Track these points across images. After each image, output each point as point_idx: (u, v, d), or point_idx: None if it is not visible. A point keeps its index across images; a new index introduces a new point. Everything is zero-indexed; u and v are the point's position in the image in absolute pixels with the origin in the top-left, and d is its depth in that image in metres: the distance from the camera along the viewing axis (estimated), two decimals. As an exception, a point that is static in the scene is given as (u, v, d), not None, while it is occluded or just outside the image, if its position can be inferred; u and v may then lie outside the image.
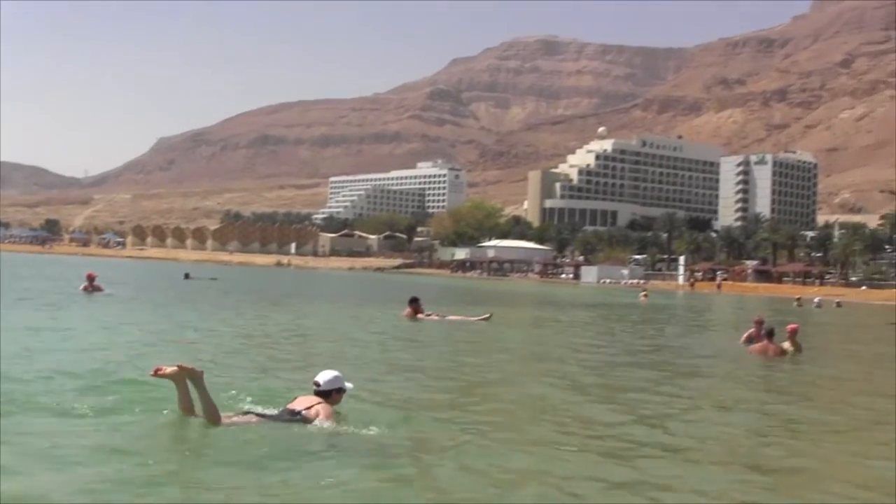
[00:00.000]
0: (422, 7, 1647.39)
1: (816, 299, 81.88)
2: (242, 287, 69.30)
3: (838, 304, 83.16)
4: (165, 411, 12.30)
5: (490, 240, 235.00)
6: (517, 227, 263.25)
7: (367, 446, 11.11)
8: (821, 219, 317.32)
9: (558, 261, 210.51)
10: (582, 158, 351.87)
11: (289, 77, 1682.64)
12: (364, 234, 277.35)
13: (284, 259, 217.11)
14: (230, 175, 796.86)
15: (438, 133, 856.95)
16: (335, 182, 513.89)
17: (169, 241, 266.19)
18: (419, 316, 34.71)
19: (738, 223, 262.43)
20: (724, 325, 48.52)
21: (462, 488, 9.70)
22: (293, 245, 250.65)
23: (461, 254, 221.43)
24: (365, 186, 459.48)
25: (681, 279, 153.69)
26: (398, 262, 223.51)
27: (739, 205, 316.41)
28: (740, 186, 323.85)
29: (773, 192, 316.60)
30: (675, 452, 11.82)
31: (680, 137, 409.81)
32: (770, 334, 25.54)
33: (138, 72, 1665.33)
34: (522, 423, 13.91)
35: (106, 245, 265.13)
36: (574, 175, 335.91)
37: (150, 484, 9.21)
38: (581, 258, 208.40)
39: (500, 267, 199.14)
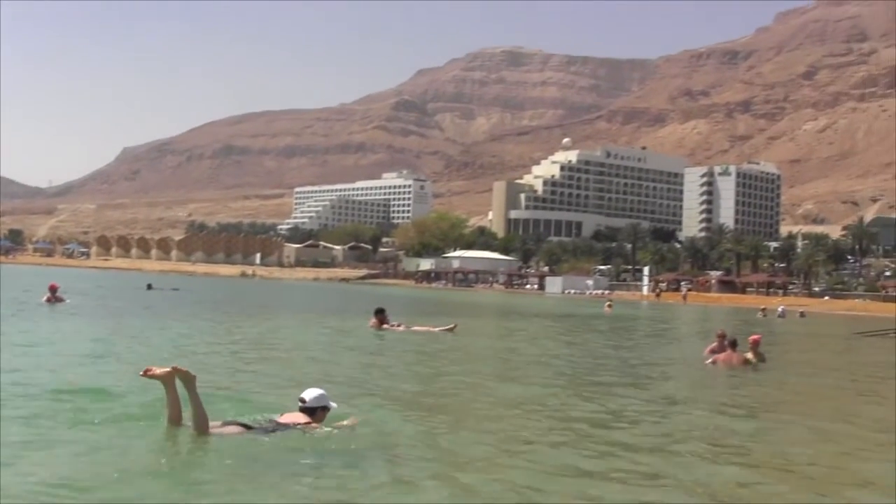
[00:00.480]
0: (387, 18, 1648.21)
1: (780, 309, 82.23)
2: (208, 298, 68.99)
3: (801, 315, 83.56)
4: (142, 423, 12.38)
5: (455, 250, 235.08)
6: (482, 238, 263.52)
7: (354, 452, 11.42)
8: (784, 229, 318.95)
9: (523, 271, 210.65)
10: (547, 169, 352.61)
11: (254, 87, 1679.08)
12: (329, 245, 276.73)
13: (249, 270, 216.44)
14: (195, 185, 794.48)
15: (404, 144, 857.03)
16: (300, 192, 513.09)
17: (133, 251, 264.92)
18: (385, 326, 34.67)
19: (703, 234, 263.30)
20: (690, 336, 48.60)
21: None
22: (258, 256, 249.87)
23: (426, 264, 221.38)
24: (330, 197, 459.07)
25: (645, 290, 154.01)
26: (363, 272, 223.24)
27: (703, 215, 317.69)
28: (704, 197, 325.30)
29: (737, 202, 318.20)
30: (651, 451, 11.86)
31: (644, 148, 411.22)
32: (734, 344, 25.62)
33: (103, 82, 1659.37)
34: (485, 421, 14.17)
35: (70, 255, 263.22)
36: (539, 186, 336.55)
37: (144, 497, 9.27)
38: (546, 269, 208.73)
39: (465, 278, 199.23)
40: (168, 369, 11.82)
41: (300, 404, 12.52)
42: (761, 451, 13.32)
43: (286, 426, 12.16)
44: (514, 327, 48.26)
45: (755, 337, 26.49)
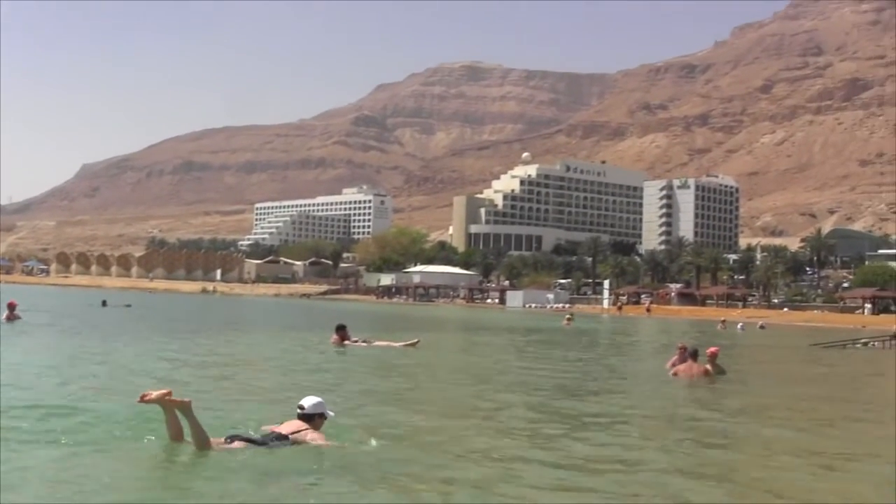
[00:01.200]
0: (346, 33, 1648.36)
1: (740, 323, 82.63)
2: (167, 315, 68.80)
3: (761, 327, 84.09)
4: (147, 439, 12.79)
5: (416, 265, 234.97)
6: (443, 253, 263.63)
7: (360, 463, 12.02)
8: (743, 242, 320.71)
9: (484, 286, 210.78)
10: (506, 184, 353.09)
11: (213, 103, 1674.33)
12: (290, 261, 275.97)
13: (210, 286, 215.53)
14: (155, 201, 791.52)
15: (364, 159, 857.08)
16: (260, 208, 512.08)
17: (94, 268, 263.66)
18: (346, 343, 34.59)
19: (662, 247, 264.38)
20: (650, 348, 48.75)
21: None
22: (219, 272, 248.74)
23: (387, 280, 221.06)
24: (290, 213, 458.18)
25: (606, 303, 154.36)
26: (324, 288, 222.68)
27: (663, 228, 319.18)
28: (664, 210, 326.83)
29: (696, 215, 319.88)
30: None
31: (604, 162, 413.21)
32: (695, 355, 25.70)
33: (61, 98, 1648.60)
34: (461, 431, 14.75)
35: (29, 272, 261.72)
36: (499, 200, 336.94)
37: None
38: (506, 283, 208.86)
39: (426, 292, 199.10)
40: (164, 391, 12.08)
41: (299, 411, 12.95)
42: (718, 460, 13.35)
43: (286, 438, 12.47)
44: (477, 341, 48.34)
45: (713, 349, 26.67)
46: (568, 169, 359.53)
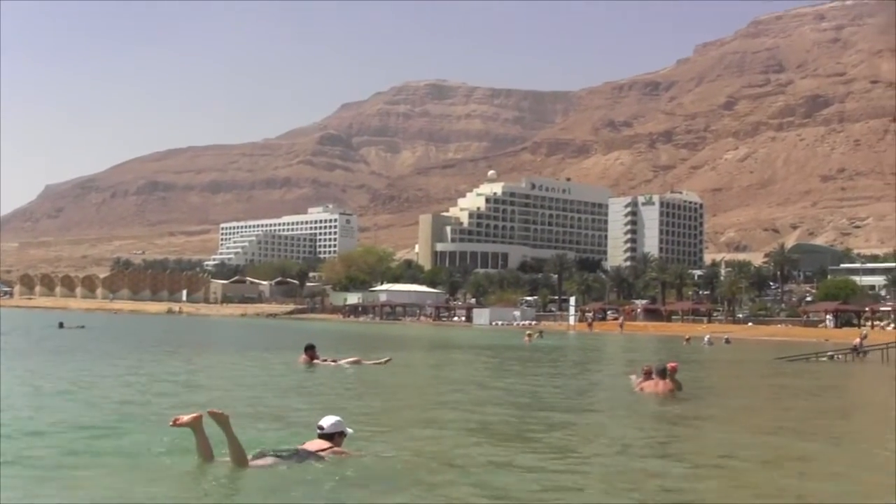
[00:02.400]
0: (311, 51, 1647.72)
1: (706, 337, 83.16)
2: (131, 336, 68.70)
3: (727, 341, 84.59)
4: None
5: (382, 284, 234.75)
6: (409, 271, 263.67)
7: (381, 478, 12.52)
8: (707, 257, 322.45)
9: (450, 304, 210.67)
10: (472, 202, 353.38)
11: (178, 123, 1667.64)
12: (256, 281, 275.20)
13: (176, 307, 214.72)
14: (120, 222, 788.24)
15: (329, 178, 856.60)
16: (226, 228, 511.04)
17: (58, 289, 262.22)
18: (315, 362, 34.57)
19: (628, 263, 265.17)
20: (615, 364, 49.15)
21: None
22: (184, 292, 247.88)
23: (353, 298, 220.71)
24: (256, 232, 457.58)
25: (572, 320, 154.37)
26: (290, 307, 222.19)
27: (628, 245, 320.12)
28: (629, 227, 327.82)
29: (661, 231, 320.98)
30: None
31: (568, 179, 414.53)
32: (662, 373, 25.97)
33: (25, 119, 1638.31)
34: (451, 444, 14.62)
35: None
36: (464, 218, 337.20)
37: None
38: (473, 301, 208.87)
39: (393, 311, 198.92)
40: (195, 415, 12.51)
41: (318, 431, 13.39)
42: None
43: (313, 454, 12.89)
44: (446, 359, 48.59)
45: (672, 365, 26.93)
46: (533, 186, 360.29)
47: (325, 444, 13.18)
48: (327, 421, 13.48)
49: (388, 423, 16.99)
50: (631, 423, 20.43)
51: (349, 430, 13.63)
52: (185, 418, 12.49)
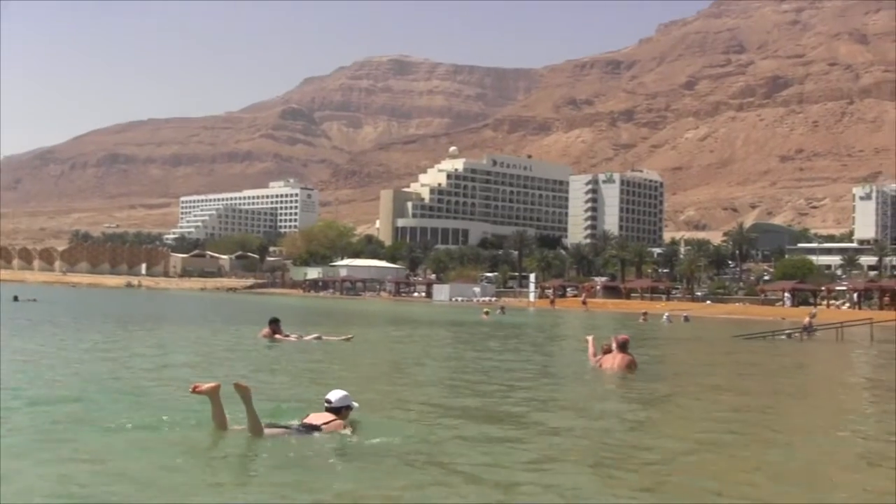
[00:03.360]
0: (274, 26, 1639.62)
1: (666, 315, 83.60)
2: (87, 309, 68.54)
3: (686, 319, 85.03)
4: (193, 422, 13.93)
5: (342, 259, 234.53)
6: (369, 247, 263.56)
7: (384, 451, 12.77)
8: (667, 236, 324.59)
9: (411, 279, 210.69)
10: (433, 178, 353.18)
11: (139, 95, 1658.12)
12: (216, 255, 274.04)
13: (135, 280, 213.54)
14: (79, 194, 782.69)
15: (291, 152, 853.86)
16: (186, 202, 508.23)
17: (16, 262, 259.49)
18: (277, 337, 34.44)
19: (588, 240, 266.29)
20: (576, 341, 49.56)
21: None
22: (144, 266, 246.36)
23: (314, 273, 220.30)
24: (217, 206, 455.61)
25: (532, 296, 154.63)
26: (251, 282, 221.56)
27: (588, 222, 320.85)
28: (589, 205, 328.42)
29: (621, 209, 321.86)
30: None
31: (530, 157, 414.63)
32: (622, 346, 26.01)
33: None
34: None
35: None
36: (426, 194, 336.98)
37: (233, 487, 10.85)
38: (433, 277, 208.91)
39: (353, 286, 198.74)
40: (214, 384, 13.16)
41: (326, 405, 13.78)
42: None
43: (318, 428, 13.32)
44: (407, 335, 48.73)
45: (623, 337, 26.96)
46: (494, 163, 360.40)
47: (329, 416, 13.59)
48: (335, 395, 13.88)
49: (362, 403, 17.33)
50: (591, 398, 20.86)
51: (355, 405, 14.05)
52: (205, 387, 13.07)
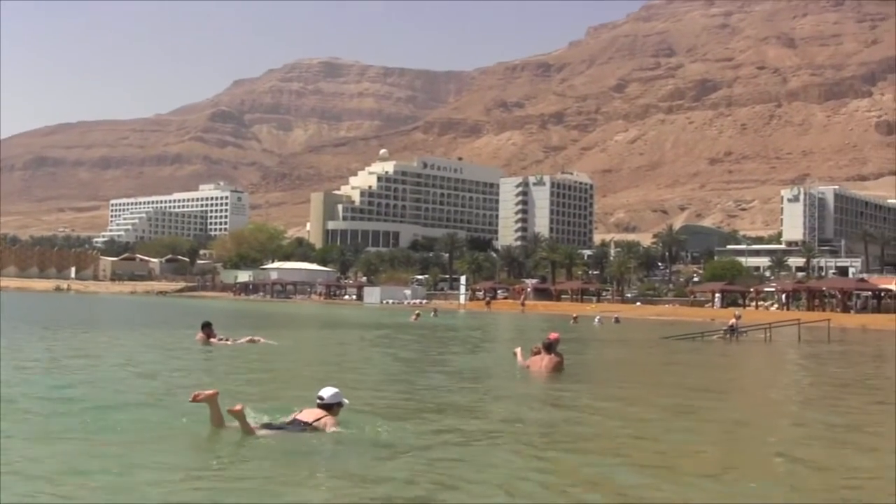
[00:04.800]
0: (203, 27, 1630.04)
1: (597, 317, 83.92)
2: (17, 313, 67.70)
3: (616, 321, 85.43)
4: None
5: (273, 262, 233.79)
6: (300, 249, 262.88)
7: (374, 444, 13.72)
8: (597, 238, 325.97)
9: (341, 282, 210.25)
10: (364, 180, 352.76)
11: (68, 97, 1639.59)
12: (146, 258, 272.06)
13: (64, 284, 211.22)
14: (6, 198, 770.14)
15: (220, 155, 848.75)
16: (116, 205, 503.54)
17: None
18: (212, 341, 34.55)
19: (518, 243, 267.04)
20: (506, 342, 49.58)
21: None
22: (73, 270, 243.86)
23: (244, 276, 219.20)
24: (146, 209, 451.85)
25: (462, 298, 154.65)
26: (181, 285, 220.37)
27: (519, 225, 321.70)
28: (520, 207, 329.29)
29: (552, 212, 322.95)
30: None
31: (460, 159, 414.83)
32: (549, 347, 26.03)
33: None
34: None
35: None
36: (356, 197, 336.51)
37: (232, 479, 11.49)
38: (364, 279, 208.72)
39: (284, 289, 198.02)
40: (213, 392, 14.12)
41: (318, 401, 14.39)
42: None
43: (309, 425, 13.96)
44: (337, 338, 48.64)
45: (554, 336, 27.01)
46: (425, 166, 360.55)
47: (320, 413, 14.16)
48: (327, 392, 14.45)
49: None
50: (518, 400, 20.83)
51: (346, 401, 14.63)
52: (204, 395, 14.00)
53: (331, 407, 14.26)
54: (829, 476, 12.65)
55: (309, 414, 14.14)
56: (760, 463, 13.47)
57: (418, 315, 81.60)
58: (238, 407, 13.71)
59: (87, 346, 34.11)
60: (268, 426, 13.98)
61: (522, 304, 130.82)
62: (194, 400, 13.93)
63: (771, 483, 12.02)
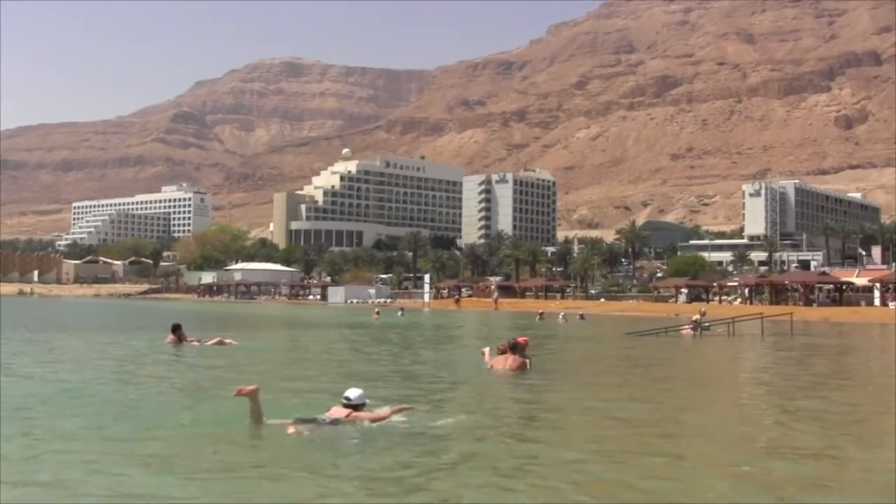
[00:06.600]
0: (164, 27, 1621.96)
1: (561, 314, 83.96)
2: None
3: (581, 317, 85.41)
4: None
5: (237, 263, 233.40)
6: (264, 250, 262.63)
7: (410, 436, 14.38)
8: (560, 234, 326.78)
9: (305, 282, 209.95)
10: (326, 180, 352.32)
11: (28, 99, 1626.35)
12: (109, 261, 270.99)
13: (27, 287, 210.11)
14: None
15: (183, 156, 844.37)
16: (78, 207, 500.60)
17: None
18: (183, 343, 34.69)
19: (482, 240, 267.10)
20: (471, 340, 49.83)
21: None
22: (36, 273, 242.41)
23: (208, 278, 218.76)
24: (109, 211, 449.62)
25: (426, 297, 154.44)
26: (145, 287, 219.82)
27: (482, 222, 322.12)
28: (483, 205, 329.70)
29: (515, 209, 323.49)
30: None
31: (423, 158, 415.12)
32: (514, 348, 26.18)
33: None
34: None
35: None
36: (319, 196, 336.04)
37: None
38: (328, 279, 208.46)
39: (248, 290, 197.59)
40: (253, 388, 14.89)
41: (344, 402, 15.17)
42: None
43: (344, 420, 14.79)
44: (303, 338, 48.73)
45: (523, 339, 27.17)
46: (388, 165, 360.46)
47: (347, 411, 14.95)
48: (353, 393, 15.26)
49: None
50: (484, 397, 21.13)
51: (368, 402, 15.41)
52: (247, 389, 14.79)
53: (357, 408, 15.05)
54: (781, 458, 13.03)
55: (338, 412, 14.94)
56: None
57: (378, 313, 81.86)
58: (252, 388, 14.79)
59: (71, 351, 34.11)
60: (302, 420, 14.62)
61: (495, 303, 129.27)
62: (238, 394, 14.75)
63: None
